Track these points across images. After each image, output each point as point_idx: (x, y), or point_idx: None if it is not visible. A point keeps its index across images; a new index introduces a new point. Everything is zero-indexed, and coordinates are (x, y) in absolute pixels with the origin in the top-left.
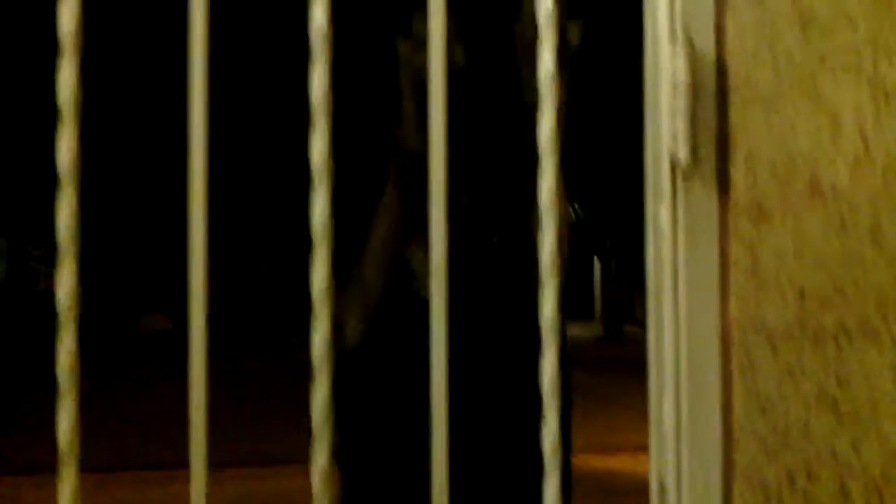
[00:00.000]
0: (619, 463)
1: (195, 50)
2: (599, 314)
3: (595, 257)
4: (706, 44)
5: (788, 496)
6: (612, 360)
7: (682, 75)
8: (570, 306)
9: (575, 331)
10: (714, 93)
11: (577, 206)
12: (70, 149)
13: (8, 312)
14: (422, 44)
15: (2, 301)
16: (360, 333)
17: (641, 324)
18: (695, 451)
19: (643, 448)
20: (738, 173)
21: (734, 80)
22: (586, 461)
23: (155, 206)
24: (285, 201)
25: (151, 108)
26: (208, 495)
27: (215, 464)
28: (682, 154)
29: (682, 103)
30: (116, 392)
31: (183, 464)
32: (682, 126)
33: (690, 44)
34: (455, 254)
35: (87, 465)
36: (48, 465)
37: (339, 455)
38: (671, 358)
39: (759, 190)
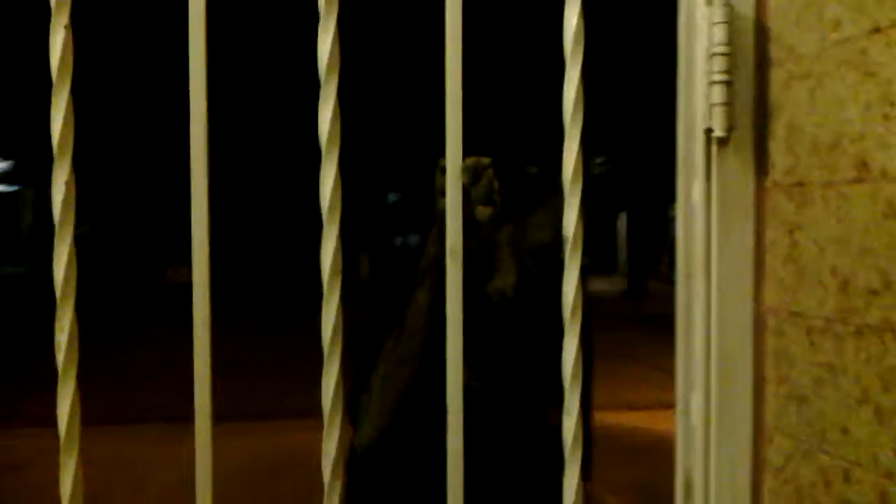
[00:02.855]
0: (639, 420)
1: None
2: (623, 268)
3: (622, 211)
4: (746, 6)
5: (824, 498)
6: (634, 317)
7: (720, 42)
8: (595, 261)
9: (598, 285)
10: (754, 62)
11: (604, 160)
12: (63, 120)
13: (34, 262)
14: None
15: (29, 252)
16: (371, 439)
17: (666, 279)
18: (724, 448)
19: (662, 405)
20: (777, 150)
21: (775, 49)
22: (606, 418)
23: (184, 157)
24: (294, 155)
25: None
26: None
27: (220, 418)
28: (718, 128)
29: (718, 73)
30: (139, 344)
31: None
32: (718, 97)
33: (729, 6)
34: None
35: (105, 418)
36: (48, 418)
37: None
38: (701, 346)
39: (801, 169)
